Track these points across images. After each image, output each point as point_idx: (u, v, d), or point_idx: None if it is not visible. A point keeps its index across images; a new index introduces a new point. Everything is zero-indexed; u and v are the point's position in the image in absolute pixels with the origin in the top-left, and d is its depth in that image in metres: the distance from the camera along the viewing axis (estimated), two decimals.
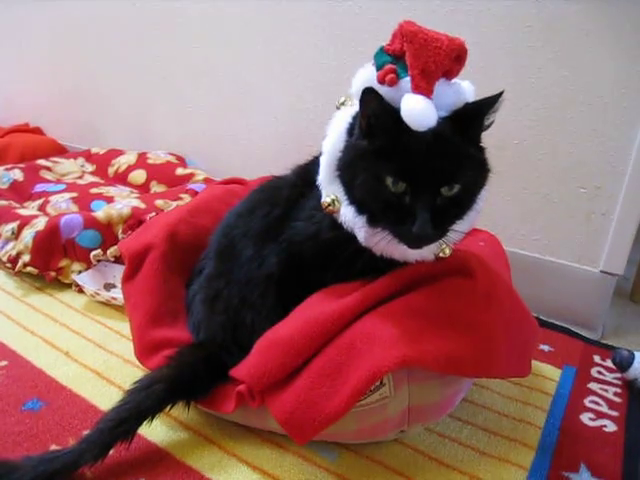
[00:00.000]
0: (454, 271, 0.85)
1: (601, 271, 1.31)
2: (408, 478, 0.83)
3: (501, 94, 0.74)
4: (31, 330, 1.17)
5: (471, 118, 0.74)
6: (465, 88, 0.78)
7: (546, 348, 1.23)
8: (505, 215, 1.40)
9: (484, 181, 0.80)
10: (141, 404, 0.81)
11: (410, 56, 0.72)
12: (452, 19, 1.34)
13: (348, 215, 0.80)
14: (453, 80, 0.78)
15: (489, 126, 0.78)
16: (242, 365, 0.85)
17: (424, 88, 0.71)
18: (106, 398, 0.95)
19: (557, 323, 1.35)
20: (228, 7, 1.78)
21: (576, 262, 1.34)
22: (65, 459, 0.74)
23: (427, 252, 0.82)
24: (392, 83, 0.73)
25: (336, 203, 0.81)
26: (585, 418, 0.99)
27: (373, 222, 0.78)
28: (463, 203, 0.77)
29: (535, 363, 1.13)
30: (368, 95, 0.72)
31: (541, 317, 1.34)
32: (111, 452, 0.78)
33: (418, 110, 0.71)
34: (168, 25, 1.98)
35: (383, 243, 0.79)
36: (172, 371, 0.86)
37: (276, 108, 1.76)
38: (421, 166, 0.72)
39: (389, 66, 0.74)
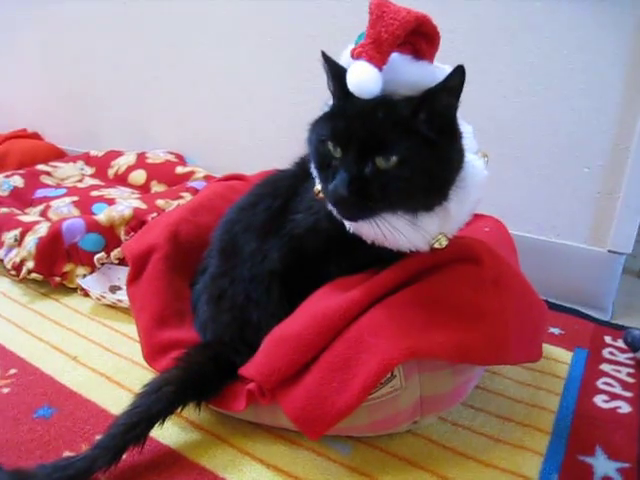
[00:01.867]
0: (460, 258, 0.85)
1: (609, 251, 1.30)
2: (423, 468, 0.82)
3: (454, 73, 0.70)
4: (38, 336, 1.17)
5: (425, 100, 0.72)
6: (443, 72, 0.74)
7: (556, 331, 1.22)
8: (509, 199, 1.39)
9: (441, 167, 0.75)
10: (151, 407, 0.80)
11: (368, 27, 0.71)
12: (445, 2, 1.33)
13: None
14: (424, 61, 0.76)
15: (448, 107, 0.75)
16: (251, 363, 0.84)
17: (372, 56, 0.70)
18: (116, 401, 0.94)
19: (566, 305, 1.34)
20: (223, 5, 1.77)
21: (583, 243, 1.33)
22: (79, 465, 0.74)
23: (420, 242, 0.80)
24: (358, 56, 0.72)
25: None
26: (599, 400, 0.98)
27: None
28: (405, 180, 0.72)
29: (546, 347, 1.12)
30: (323, 58, 0.76)
31: (550, 300, 1.33)
32: (124, 456, 0.77)
33: (360, 76, 0.70)
34: (162, 25, 1.97)
35: (368, 229, 0.78)
36: (181, 372, 0.86)
37: (274, 102, 1.75)
38: (350, 129, 0.72)
39: (361, 42, 0.73)
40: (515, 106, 1.32)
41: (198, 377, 0.86)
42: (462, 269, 0.84)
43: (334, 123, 0.75)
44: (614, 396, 0.99)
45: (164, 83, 2.05)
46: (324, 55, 0.77)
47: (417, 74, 0.75)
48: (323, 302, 0.82)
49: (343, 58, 0.77)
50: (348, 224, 0.81)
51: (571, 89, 1.25)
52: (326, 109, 0.81)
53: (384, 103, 0.72)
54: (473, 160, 0.81)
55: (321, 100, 0.81)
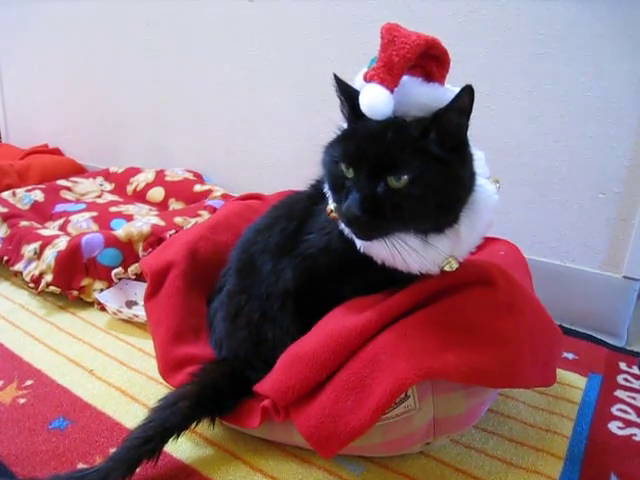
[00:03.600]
0: (475, 281, 0.85)
1: (624, 277, 1.29)
2: None
3: (462, 93, 0.71)
4: (55, 349, 1.18)
5: (435, 120, 0.73)
6: (454, 94, 0.75)
7: (570, 356, 1.21)
8: (524, 223, 1.39)
9: (452, 185, 0.76)
10: (166, 422, 0.81)
11: (380, 51, 0.74)
12: (464, 29, 1.35)
13: None
14: (434, 83, 0.78)
15: (458, 126, 0.76)
16: (266, 380, 0.85)
17: (384, 79, 0.72)
18: (131, 415, 0.96)
19: (581, 330, 1.33)
20: (242, 25, 1.81)
21: (598, 268, 1.33)
22: (92, 478, 0.74)
23: (430, 264, 0.81)
24: (370, 79, 0.73)
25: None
26: (613, 427, 0.97)
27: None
28: (416, 198, 0.73)
29: (560, 371, 1.11)
30: (335, 81, 0.78)
31: (564, 325, 1.33)
32: (138, 470, 0.78)
33: (371, 97, 0.72)
34: (182, 44, 2.00)
35: (378, 249, 0.79)
36: (196, 388, 0.86)
37: (292, 123, 1.77)
38: (362, 150, 0.74)
39: (373, 65, 0.75)
40: (531, 131, 1.33)
41: (213, 393, 0.87)
42: (477, 292, 0.84)
43: (346, 144, 0.77)
44: (629, 423, 0.98)
45: (185, 102, 2.08)
46: (336, 78, 0.79)
47: (428, 96, 0.76)
48: (339, 321, 0.83)
49: (357, 81, 0.78)
50: (359, 244, 0.82)
51: (587, 116, 1.26)
52: (339, 132, 0.83)
53: (395, 124, 0.74)
54: (485, 184, 0.82)
55: (340, 120, 0.83)
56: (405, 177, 0.72)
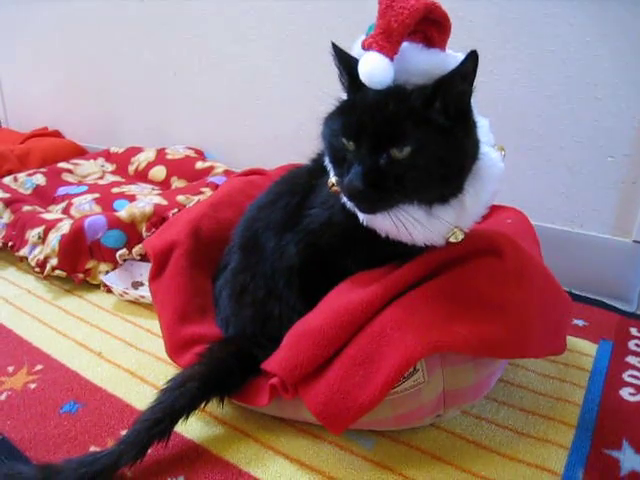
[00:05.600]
0: (483, 251, 0.84)
1: (634, 241, 1.27)
2: (446, 462, 0.82)
3: (467, 59, 0.69)
4: (63, 333, 1.18)
5: (436, 87, 0.71)
6: (456, 59, 0.73)
7: (580, 323, 1.20)
8: (531, 189, 1.37)
9: (455, 154, 0.74)
10: (175, 403, 0.81)
11: (377, 17, 0.71)
12: None
13: None
14: (435, 49, 0.75)
15: (462, 94, 0.74)
16: (273, 358, 0.84)
17: (383, 46, 0.70)
18: (141, 396, 0.96)
19: (591, 297, 1.32)
20: (242, 2, 1.76)
21: (608, 233, 1.31)
22: (105, 461, 0.75)
23: (436, 235, 0.80)
24: (369, 47, 0.71)
25: None
26: (625, 393, 0.97)
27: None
28: (419, 169, 0.72)
29: (570, 339, 1.11)
30: (333, 50, 0.76)
31: (574, 291, 1.32)
32: (149, 451, 0.78)
33: (371, 66, 0.70)
34: (182, 23, 1.97)
35: (382, 222, 0.78)
36: (204, 368, 0.86)
37: (292, 96, 1.74)
38: (362, 122, 0.72)
39: (371, 32, 0.73)
40: (536, 95, 1.30)
41: (221, 372, 0.86)
42: (484, 262, 0.83)
43: (346, 117, 0.75)
44: None
45: (183, 79, 2.06)
46: (334, 46, 0.76)
47: (429, 62, 0.74)
48: (345, 296, 0.82)
49: (355, 49, 0.76)
50: (362, 217, 0.81)
51: (594, 77, 1.22)
52: (338, 104, 0.81)
53: (396, 93, 0.72)
54: (489, 152, 0.80)
55: (340, 91, 0.81)
56: (408, 148, 0.70)
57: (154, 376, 1.02)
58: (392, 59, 0.70)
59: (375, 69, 0.70)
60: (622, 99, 1.21)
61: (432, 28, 0.74)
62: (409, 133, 0.70)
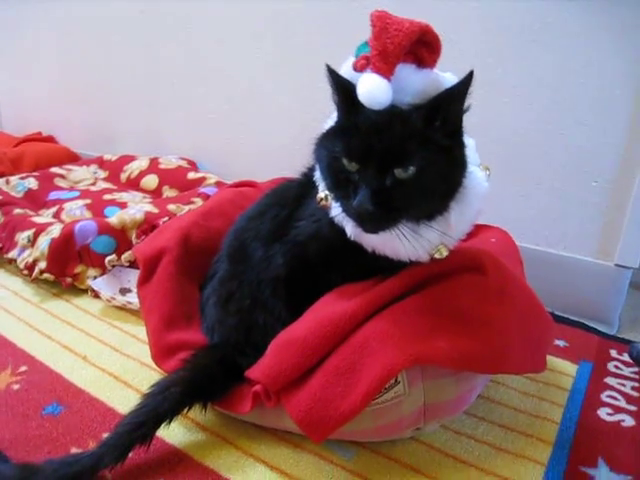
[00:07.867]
0: (466, 268, 0.85)
1: (616, 265, 1.30)
2: (425, 475, 0.83)
3: (467, 78, 0.71)
4: (49, 335, 1.18)
5: (435, 107, 0.73)
6: (445, 79, 0.76)
7: (561, 343, 1.22)
8: (516, 211, 1.39)
9: (453, 171, 0.77)
10: (158, 407, 0.81)
11: (372, 39, 0.72)
12: (459, 15, 1.34)
13: (337, 209, 0.80)
14: (427, 69, 0.77)
15: (459, 112, 0.76)
16: (257, 366, 0.85)
17: (380, 67, 0.71)
18: (124, 401, 0.96)
19: (572, 318, 1.34)
20: (237, 11, 1.79)
21: (590, 256, 1.33)
22: (85, 462, 0.75)
23: (421, 251, 0.81)
24: (362, 68, 0.73)
25: (329, 197, 0.81)
26: (603, 413, 0.98)
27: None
28: (422, 188, 0.74)
29: (551, 358, 1.12)
30: (327, 72, 0.76)
31: (556, 312, 1.33)
32: (130, 454, 0.79)
33: (370, 87, 0.71)
34: (178, 32, 1.99)
35: (370, 237, 0.79)
36: (188, 374, 0.87)
37: (287, 110, 1.77)
38: (369, 144, 0.72)
39: (363, 54, 0.75)
40: (524, 119, 1.33)
41: (204, 379, 0.87)
42: (467, 278, 0.84)
43: (348, 139, 0.75)
44: (618, 409, 0.99)
45: (179, 90, 2.07)
46: (329, 69, 0.77)
47: (422, 82, 0.76)
48: (329, 307, 0.83)
49: (343, 70, 0.78)
50: (350, 232, 0.82)
51: (581, 103, 1.26)
52: (330, 123, 0.82)
53: (396, 115, 0.73)
54: (475, 172, 0.82)
55: (334, 107, 0.82)
56: (412, 168, 0.72)
57: (138, 381, 1.03)
58: (389, 80, 0.72)
59: (375, 90, 0.71)
60: (606, 126, 1.24)
61: (423, 49, 0.76)
62: (413, 153, 0.72)
